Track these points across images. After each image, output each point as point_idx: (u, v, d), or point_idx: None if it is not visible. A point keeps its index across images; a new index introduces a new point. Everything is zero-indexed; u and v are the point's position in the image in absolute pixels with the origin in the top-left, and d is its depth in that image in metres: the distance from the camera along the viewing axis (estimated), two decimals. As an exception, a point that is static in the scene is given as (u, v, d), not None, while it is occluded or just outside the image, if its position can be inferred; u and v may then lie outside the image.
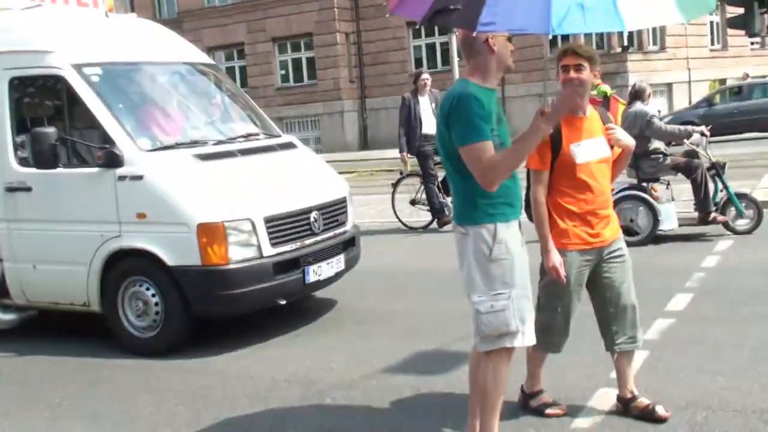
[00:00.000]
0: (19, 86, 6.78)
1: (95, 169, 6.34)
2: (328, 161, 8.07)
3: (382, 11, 25.52)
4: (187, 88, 7.51)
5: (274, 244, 6.31)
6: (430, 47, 31.45)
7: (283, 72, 33.58)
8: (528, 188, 4.24)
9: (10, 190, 6.70)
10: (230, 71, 34.03)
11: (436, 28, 27.78)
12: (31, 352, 6.67)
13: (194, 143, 6.71)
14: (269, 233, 6.28)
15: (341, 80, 32.15)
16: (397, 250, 10.39)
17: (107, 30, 7.33)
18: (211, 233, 6.03)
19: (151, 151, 6.34)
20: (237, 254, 6.12)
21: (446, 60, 27.35)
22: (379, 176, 20.23)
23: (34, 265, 6.71)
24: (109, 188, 6.27)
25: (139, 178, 6.17)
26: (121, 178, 6.22)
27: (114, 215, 6.27)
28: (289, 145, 7.40)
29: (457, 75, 18.48)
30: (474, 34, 3.46)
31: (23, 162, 6.68)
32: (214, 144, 6.83)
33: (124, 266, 6.37)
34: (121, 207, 6.24)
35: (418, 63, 30.92)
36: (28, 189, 6.62)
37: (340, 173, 8.14)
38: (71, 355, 6.51)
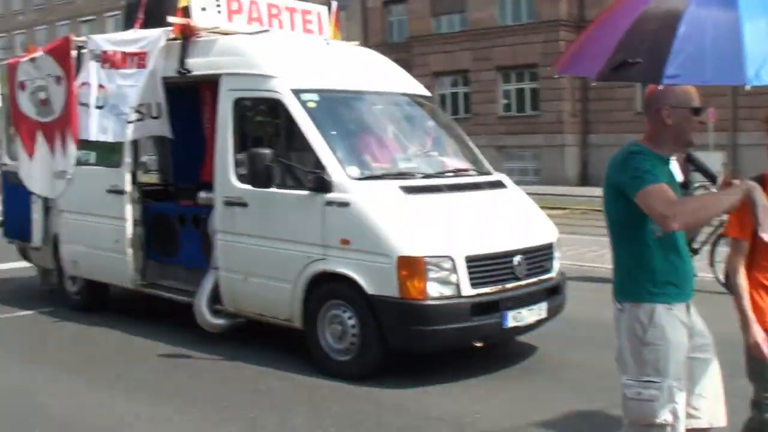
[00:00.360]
0: (243, 107, 7.18)
1: (305, 192, 6.58)
2: (545, 194, 7.90)
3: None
4: (402, 118, 7.63)
5: (474, 285, 6.25)
6: (660, 86, 29.75)
7: (506, 101, 33.34)
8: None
9: (229, 204, 7.10)
10: (454, 97, 34.32)
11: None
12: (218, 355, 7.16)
13: (402, 175, 6.80)
14: (470, 273, 6.23)
15: (564, 113, 31.44)
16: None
17: (327, 57, 7.59)
18: (411, 267, 6.08)
19: (359, 179, 6.49)
20: (435, 291, 6.12)
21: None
22: (592, 215, 18.95)
23: (245, 277, 7.08)
24: (317, 212, 6.49)
25: (346, 204, 6.33)
26: (329, 203, 6.42)
27: (319, 238, 6.48)
28: (498, 184, 7.31)
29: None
30: (660, 88, 3.21)
31: (242, 179, 7.05)
32: (422, 177, 6.88)
33: (327, 289, 6.57)
34: (327, 231, 6.44)
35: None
36: (245, 204, 6.99)
37: (553, 209, 7.90)
38: (248, 362, 6.90)
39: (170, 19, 7.42)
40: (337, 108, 7.14)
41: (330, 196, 6.41)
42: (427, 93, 8.22)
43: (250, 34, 7.63)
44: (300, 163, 6.75)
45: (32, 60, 8.74)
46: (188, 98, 8.33)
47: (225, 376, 6.60)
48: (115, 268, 8.26)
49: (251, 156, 6.60)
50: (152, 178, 11.07)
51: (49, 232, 9.09)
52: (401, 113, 7.70)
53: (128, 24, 8.50)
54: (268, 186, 6.64)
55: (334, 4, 8.79)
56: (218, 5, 7.74)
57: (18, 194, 9.23)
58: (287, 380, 6.46)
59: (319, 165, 6.51)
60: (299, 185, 6.72)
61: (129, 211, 8.02)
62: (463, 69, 33.71)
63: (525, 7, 32.40)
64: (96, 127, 8.16)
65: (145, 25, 8.07)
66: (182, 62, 7.50)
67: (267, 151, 6.61)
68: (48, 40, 64.64)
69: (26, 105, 8.88)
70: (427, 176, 6.95)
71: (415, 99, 7.94)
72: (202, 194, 7.84)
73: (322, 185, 6.43)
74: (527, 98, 32.73)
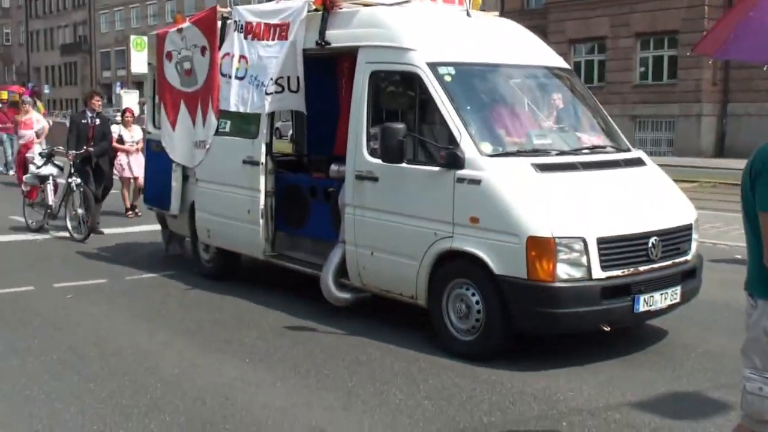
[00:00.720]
0: (378, 80, 7.14)
1: (436, 168, 6.49)
2: (677, 165, 7.53)
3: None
4: (539, 93, 7.40)
5: (604, 267, 6.02)
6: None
7: (643, 69, 32.34)
8: None
9: (360, 178, 7.10)
10: (589, 65, 33.51)
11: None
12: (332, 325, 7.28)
13: (536, 152, 6.61)
14: (601, 255, 6.00)
15: (703, 82, 30.19)
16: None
17: (467, 29, 7.45)
18: (540, 248, 5.90)
19: (492, 156, 6.34)
20: (565, 273, 5.93)
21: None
22: (722, 189, 18.42)
23: (372, 252, 7.07)
24: (447, 189, 6.39)
25: (477, 182, 6.21)
26: (460, 180, 6.30)
27: (449, 216, 6.38)
28: (636, 162, 7.01)
29: None
30: None
31: (374, 153, 7.04)
32: (557, 154, 6.67)
33: (453, 267, 6.47)
34: (457, 209, 6.33)
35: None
36: (375, 179, 6.97)
37: (682, 182, 7.51)
38: (355, 334, 7.01)
39: (313, -11, 7.49)
40: (473, 81, 6.99)
41: (461, 172, 6.30)
42: (566, 65, 7.93)
43: (390, 5, 7.58)
44: (433, 139, 6.66)
45: (179, 30, 9.03)
46: (325, 70, 8.37)
47: (328, 346, 6.70)
48: (246, 238, 8.43)
49: (384, 130, 6.56)
50: (285, 145, 11.30)
51: (186, 201, 9.37)
52: (538, 87, 7.48)
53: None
54: (399, 161, 6.59)
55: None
56: (361, -24, 7.74)
57: (160, 162, 9.57)
58: (386, 351, 6.53)
59: (452, 140, 6.41)
60: (431, 161, 6.63)
61: (262, 183, 8.15)
62: (600, 36, 32.89)
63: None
64: (236, 97, 8.34)
65: (286, -6, 8.18)
66: (322, 34, 7.54)
67: (400, 125, 6.55)
68: (195, 8, 67.12)
69: (172, 75, 9.19)
70: (561, 153, 6.73)
71: (554, 72, 7.71)
72: (334, 167, 7.89)
73: (454, 161, 6.32)
74: (665, 66, 31.65)
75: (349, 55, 7.75)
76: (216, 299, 8.31)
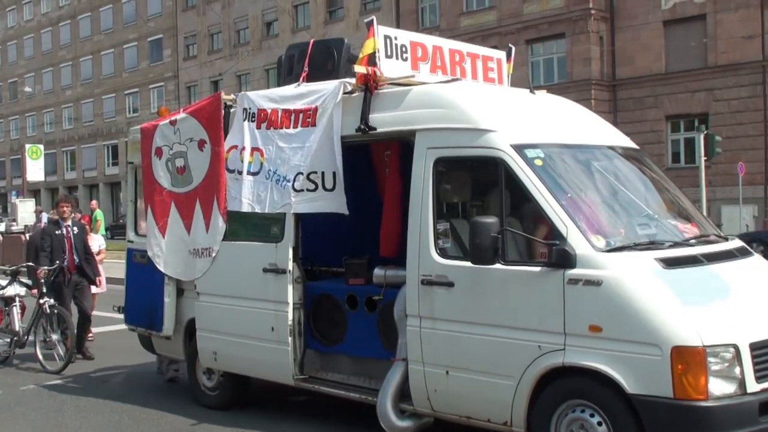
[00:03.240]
0: (446, 167, 6.34)
1: (537, 269, 5.68)
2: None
3: None
4: (626, 176, 6.68)
5: (759, 378, 5.27)
6: None
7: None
8: None
9: (428, 283, 6.23)
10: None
11: None
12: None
13: (652, 244, 5.89)
14: (755, 363, 5.24)
15: None
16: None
17: (537, 108, 6.79)
18: (689, 359, 5.10)
19: (608, 251, 5.58)
20: (717, 388, 5.13)
21: None
22: None
23: (447, 371, 6.15)
24: (554, 292, 5.57)
25: (597, 283, 5.41)
26: (573, 281, 5.49)
27: (558, 325, 5.54)
28: (746, 251, 6.38)
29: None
30: None
31: (443, 253, 6.22)
32: (671, 246, 5.96)
33: (566, 386, 5.60)
34: (570, 316, 5.51)
35: None
36: (449, 284, 6.10)
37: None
38: None
39: (356, 68, 6.68)
40: (565, 165, 6.21)
41: (573, 272, 5.49)
42: (634, 145, 7.33)
43: (443, 83, 6.88)
44: (525, 232, 5.90)
45: (172, 123, 8.09)
46: (354, 158, 7.53)
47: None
48: (269, 359, 7.37)
49: (474, 226, 5.71)
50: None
51: (182, 319, 8.28)
52: (623, 169, 6.74)
53: (283, 80, 7.80)
54: (492, 262, 5.75)
55: (512, 49, 8.06)
56: (404, 52, 7.03)
57: (145, 275, 8.45)
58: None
59: (555, 234, 5.62)
60: (527, 260, 5.84)
61: (290, 293, 7.17)
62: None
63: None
64: (249, 196, 7.42)
65: (311, 78, 7.38)
66: (365, 118, 6.75)
67: (492, 219, 5.73)
68: (95, 113, 66.35)
69: (161, 174, 8.20)
70: (675, 245, 6.02)
71: (629, 152, 7.04)
72: (379, 272, 7.00)
73: (563, 259, 5.52)
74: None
75: (392, 140, 7.00)
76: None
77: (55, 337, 10.20)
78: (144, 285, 8.51)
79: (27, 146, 38.99)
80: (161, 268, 8.19)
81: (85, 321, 10.85)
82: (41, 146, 40.29)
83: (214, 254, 7.72)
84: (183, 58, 59.56)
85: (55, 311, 10.23)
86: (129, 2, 62.35)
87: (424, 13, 46.60)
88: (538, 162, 5.93)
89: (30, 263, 10.92)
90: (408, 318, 6.41)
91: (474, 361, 6.01)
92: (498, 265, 5.79)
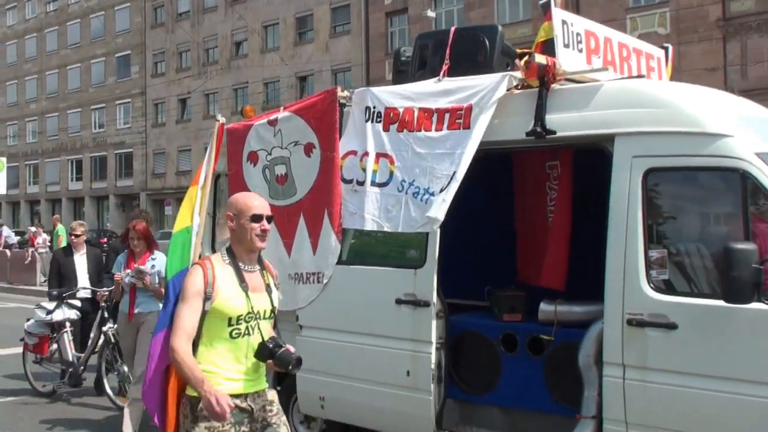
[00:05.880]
0: (660, 180, 4.95)
1: (810, 309, 4.32)
2: None
3: None
4: None
5: None
6: None
7: None
8: None
9: (637, 324, 4.81)
10: None
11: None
12: None
13: None
14: None
15: None
16: None
17: (756, 111, 5.48)
18: None
19: None
20: None
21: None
22: None
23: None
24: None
25: None
26: None
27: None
28: None
29: None
30: None
31: (659, 287, 4.81)
32: None
33: None
34: None
35: None
36: (670, 326, 4.69)
37: None
38: None
39: (537, 56, 5.25)
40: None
41: None
42: None
43: (626, 78, 5.51)
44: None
45: (271, 123, 6.56)
46: (487, 169, 6.04)
47: None
48: (399, 410, 5.83)
49: (732, 254, 4.31)
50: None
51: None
52: None
53: (412, 75, 6.32)
54: (751, 299, 4.37)
55: (670, 49, 6.73)
56: (579, 42, 5.63)
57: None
58: None
59: None
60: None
61: (434, 330, 5.69)
62: None
63: None
64: (375, 211, 5.92)
65: (453, 72, 5.93)
66: (540, 119, 5.32)
67: (751, 246, 4.35)
68: (60, 127, 63.66)
69: (255, 183, 6.65)
70: None
71: None
72: (547, 307, 5.59)
73: None
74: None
75: (563, 149, 5.61)
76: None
77: (125, 369, 8.42)
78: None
79: (-6, 158, 37.39)
80: None
81: None
82: (4, 159, 38.25)
83: (325, 280, 6.20)
84: (151, 75, 57.48)
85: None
86: (97, 17, 60.24)
87: (393, 37, 45.52)
88: (788, 174, 4.55)
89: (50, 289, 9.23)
90: (605, 366, 4.97)
91: (712, 427, 4.58)
92: (755, 305, 4.38)
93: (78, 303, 9.23)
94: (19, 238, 33.91)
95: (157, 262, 7.55)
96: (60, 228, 25.22)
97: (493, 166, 6.14)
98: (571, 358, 5.27)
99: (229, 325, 3.88)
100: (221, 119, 6.23)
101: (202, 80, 53.34)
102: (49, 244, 25.58)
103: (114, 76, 60.01)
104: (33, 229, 28.90)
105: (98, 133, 61.33)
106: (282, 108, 6.64)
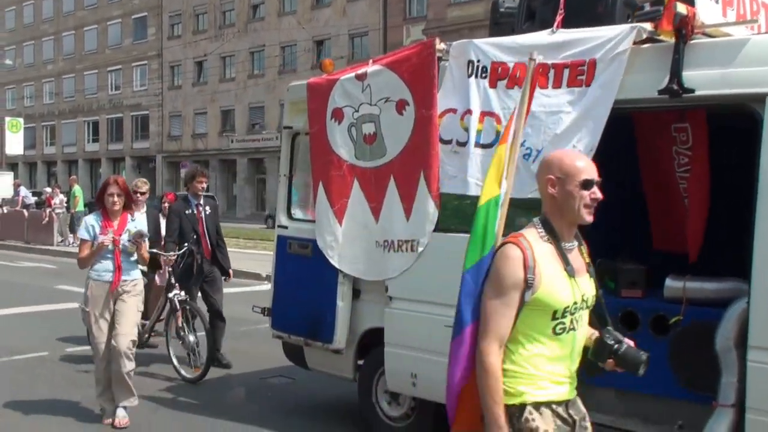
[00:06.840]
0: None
1: None
2: None
3: None
4: None
5: None
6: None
7: None
8: None
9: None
10: None
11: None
12: None
13: None
14: None
15: None
16: None
17: None
18: None
19: None
20: None
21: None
22: None
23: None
24: None
25: None
26: None
27: None
28: None
29: None
30: None
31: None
32: None
33: None
34: None
35: None
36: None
37: None
38: None
39: (678, 5, 4.65)
40: None
41: None
42: None
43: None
44: None
45: (359, 77, 5.98)
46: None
47: None
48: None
49: None
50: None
51: (356, 329, 6.21)
52: None
53: (519, 28, 5.72)
54: None
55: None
56: (717, -8, 5.03)
57: (306, 271, 6.34)
58: None
59: None
60: None
61: (546, 305, 5.15)
62: None
63: None
64: (479, 175, 5.36)
65: (567, 25, 5.32)
66: (677, 76, 4.73)
67: None
68: (76, 88, 63.01)
69: (340, 142, 6.10)
70: None
71: None
72: (675, 283, 5.05)
73: None
74: None
75: (696, 110, 5.03)
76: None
77: (192, 338, 7.91)
78: (305, 283, 6.39)
79: (6, 119, 37.18)
80: (335, 262, 6.11)
81: (216, 319, 8.56)
82: (21, 119, 37.85)
83: (420, 248, 5.66)
84: (167, 37, 56.69)
85: (187, 307, 7.98)
86: (114, -21, 59.36)
87: (411, 2, 44.68)
88: None
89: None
90: (750, 350, 4.44)
91: None
92: None
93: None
94: (36, 198, 33.38)
95: (138, 223, 6.71)
96: (77, 189, 24.77)
97: (612, 128, 5.57)
98: (702, 340, 4.75)
99: (554, 318, 3.04)
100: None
101: (218, 43, 52.56)
102: (65, 204, 25.13)
103: (130, 37, 59.24)
104: (50, 189, 28.38)
105: (114, 95, 60.67)
106: (371, 61, 6.06)
